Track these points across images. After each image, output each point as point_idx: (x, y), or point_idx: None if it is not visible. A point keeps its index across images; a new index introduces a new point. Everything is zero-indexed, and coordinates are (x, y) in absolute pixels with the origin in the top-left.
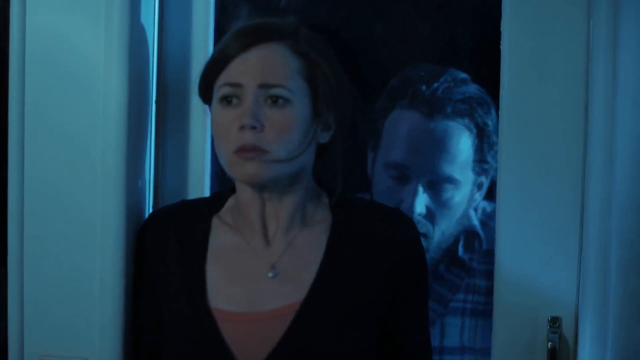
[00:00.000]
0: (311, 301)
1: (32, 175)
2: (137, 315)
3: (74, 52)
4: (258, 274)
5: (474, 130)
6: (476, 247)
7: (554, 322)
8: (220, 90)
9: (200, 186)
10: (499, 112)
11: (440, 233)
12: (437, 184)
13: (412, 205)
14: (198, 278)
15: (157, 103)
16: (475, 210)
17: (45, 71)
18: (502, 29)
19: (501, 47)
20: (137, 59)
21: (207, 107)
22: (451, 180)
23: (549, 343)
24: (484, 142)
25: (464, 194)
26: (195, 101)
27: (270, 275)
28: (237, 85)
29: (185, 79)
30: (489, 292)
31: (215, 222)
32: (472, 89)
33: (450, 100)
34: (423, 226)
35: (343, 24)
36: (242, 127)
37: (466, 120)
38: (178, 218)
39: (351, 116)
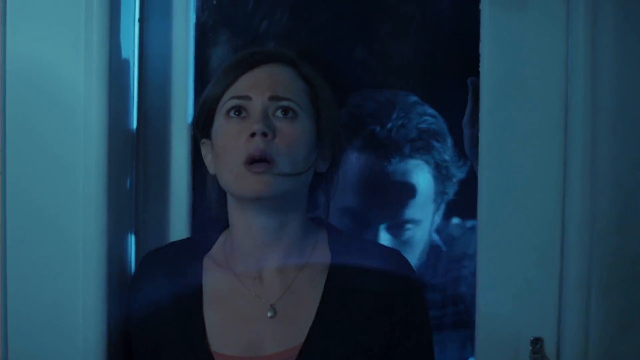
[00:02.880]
0: (310, 345)
1: (13, 200)
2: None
3: (53, 80)
4: (257, 314)
5: (433, 166)
6: (433, 262)
7: (536, 342)
8: (227, 103)
9: (182, 212)
10: (479, 134)
11: None
12: (398, 226)
13: None
14: (197, 322)
15: (137, 130)
16: (438, 233)
17: (24, 99)
18: (480, 51)
19: (480, 69)
20: (117, 86)
21: (203, 141)
22: (413, 221)
23: None
24: (443, 176)
25: (424, 227)
26: (177, 127)
27: (269, 314)
28: (246, 98)
29: (166, 105)
30: (444, 304)
31: (206, 263)
32: (427, 118)
33: (406, 140)
34: None
35: (323, 48)
36: (252, 135)
37: (424, 157)
38: (169, 261)
39: (344, 149)
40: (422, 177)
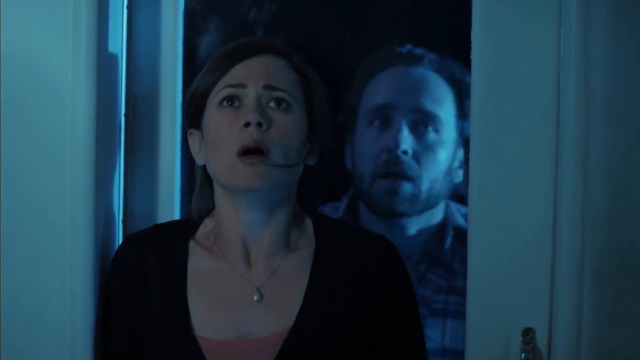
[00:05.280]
0: (298, 330)
1: (2, 184)
2: (111, 341)
3: (41, 67)
4: (243, 297)
5: (452, 86)
6: (458, 248)
7: (527, 333)
8: (220, 93)
9: (171, 200)
10: (470, 124)
11: (429, 182)
12: (420, 125)
13: (396, 144)
14: (181, 305)
15: (126, 116)
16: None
17: (11, 87)
18: (472, 40)
19: (472, 57)
20: (105, 73)
21: (191, 131)
22: (434, 119)
23: (522, 354)
24: (464, 100)
25: (448, 149)
26: (166, 114)
27: (255, 298)
28: (241, 86)
29: (154, 91)
30: (450, 291)
31: (192, 246)
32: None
33: (427, 58)
34: (410, 168)
35: (311, 37)
36: (246, 125)
37: (445, 74)
38: (154, 243)
39: (332, 144)
40: (442, 87)
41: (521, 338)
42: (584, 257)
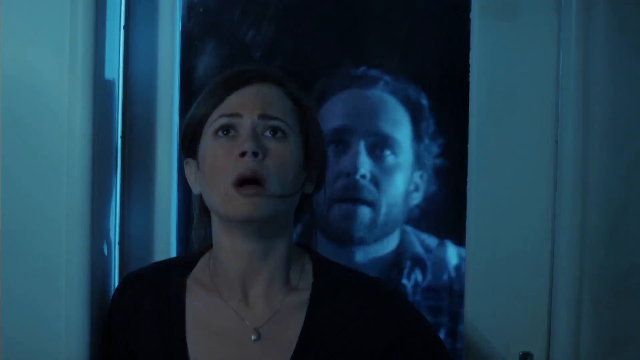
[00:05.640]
0: None
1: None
2: None
3: (36, 86)
4: (240, 337)
5: (408, 107)
6: (419, 280)
7: (525, 357)
8: (215, 122)
9: (167, 221)
10: (468, 146)
11: (386, 207)
12: (377, 149)
13: (354, 168)
14: (179, 345)
15: (122, 138)
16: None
17: (6, 108)
18: (470, 61)
19: (470, 79)
20: (101, 94)
21: (187, 160)
22: (392, 142)
23: None
24: (420, 122)
25: (405, 172)
26: (162, 136)
27: (253, 338)
28: (236, 116)
29: (151, 113)
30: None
31: (190, 283)
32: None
33: (382, 80)
34: (369, 193)
35: (309, 60)
36: (242, 154)
37: (400, 95)
38: (152, 283)
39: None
40: (399, 110)
41: None
42: (583, 281)
